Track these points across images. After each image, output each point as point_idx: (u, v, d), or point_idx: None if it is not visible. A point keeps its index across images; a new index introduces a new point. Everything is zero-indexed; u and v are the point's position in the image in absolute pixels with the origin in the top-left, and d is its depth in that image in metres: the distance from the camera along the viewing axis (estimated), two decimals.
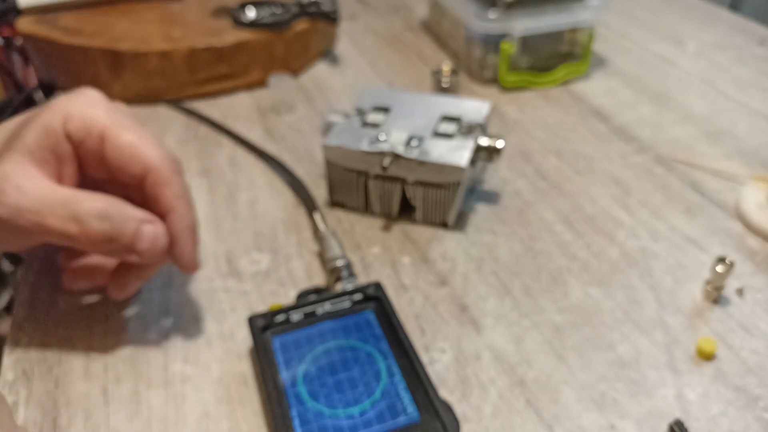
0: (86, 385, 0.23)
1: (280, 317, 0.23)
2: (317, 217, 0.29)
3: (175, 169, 0.23)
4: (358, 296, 0.24)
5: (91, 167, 0.23)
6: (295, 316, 0.23)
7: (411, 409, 0.20)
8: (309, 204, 0.31)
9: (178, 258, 0.23)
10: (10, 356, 0.24)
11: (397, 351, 0.22)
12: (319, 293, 0.25)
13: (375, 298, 0.24)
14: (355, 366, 0.22)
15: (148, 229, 0.22)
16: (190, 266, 0.24)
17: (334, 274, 0.26)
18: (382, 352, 0.22)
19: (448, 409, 0.20)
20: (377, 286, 0.24)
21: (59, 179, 0.22)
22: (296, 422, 0.20)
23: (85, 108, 0.22)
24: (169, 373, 0.24)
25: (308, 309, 0.24)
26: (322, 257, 0.28)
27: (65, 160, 0.22)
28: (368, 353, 0.22)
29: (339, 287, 0.26)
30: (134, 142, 0.22)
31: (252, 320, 0.23)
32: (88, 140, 0.22)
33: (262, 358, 0.22)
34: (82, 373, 0.24)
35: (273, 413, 0.20)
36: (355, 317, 0.23)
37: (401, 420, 0.20)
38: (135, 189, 0.23)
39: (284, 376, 0.21)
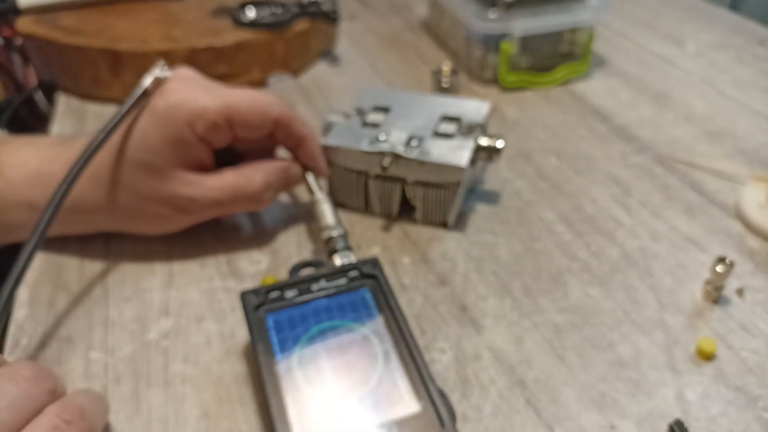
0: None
1: (274, 293, 0.23)
2: (311, 178, 0.28)
3: (286, 104, 0.27)
4: (354, 273, 0.23)
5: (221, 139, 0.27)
6: (290, 293, 0.23)
7: (407, 397, 0.20)
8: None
9: (316, 169, 0.29)
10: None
11: (393, 334, 0.21)
12: (313, 266, 0.25)
13: (372, 276, 0.23)
14: (352, 350, 0.21)
15: (294, 173, 0.29)
16: (324, 172, 0.30)
17: (329, 245, 0.25)
18: (379, 334, 0.21)
19: (444, 397, 0.20)
20: (374, 263, 0.24)
21: (204, 165, 0.27)
22: (291, 410, 0.19)
23: (198, 103, 0.25)
24: (169, 374, 0.24)
25: (303, 285, 0.23)
26: (317, 225, 0.27)
27: (203, 150, 0.26)
28: (365, 336, 0.21)
29: (336, 260, 0.25)
30: (254, 109, 0.26)
31: (245, 296, 0.22)
32: (217, 132, 0.26)
33: (256, 339, 0.21)
34: (82, 373, 0.24)
35: (268, 400, 0.19)
36: (351, 295, 0.23)
37: (397, 409, 0.19)
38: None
39: (279, 358, 0.21)
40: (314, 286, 0.23)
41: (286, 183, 0.29)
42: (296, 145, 0.28)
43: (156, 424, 0.22)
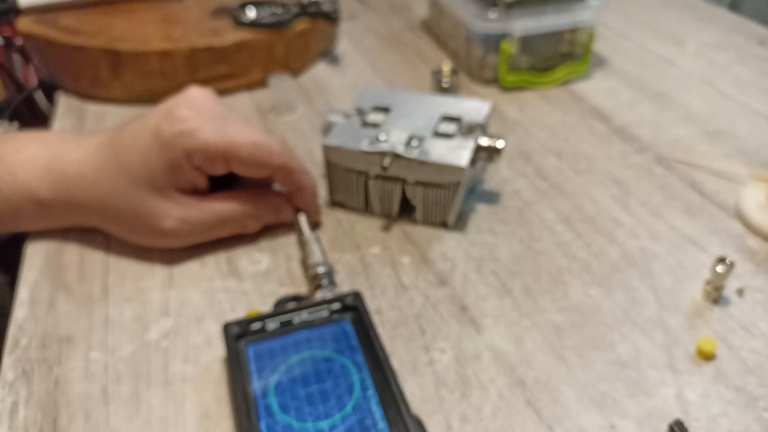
0: (86, 385, 0.23)
1: (256, 325, 0.23)
2: (302, 219, 0.29)
3: (289, 154, 0.28)
4: (336, 305, 0.24)
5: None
6: (271, 325, 0.23)
7: (382, 425, 0.20)
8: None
9: (310, 213, 0.30)
10: (10, 356, 0.24)
11: (372, 364, 0.22)
12: (297, 300, 0.25)
13: (353, 308, 0.24)
14: (329, 378, 0.21)
15: (285, 213, 0.30)
16: (317, 217, 0.30)
17: (315, 281, 0.26)
18: (357, 364, 0.22)
19: (420, 425, 0.20)
20: (356, 295, 0.24)
21: (197, 189, 0.27)
22: None
23: (201, 137, 0.25)
24: (169, 374, 0.24)
25: (285, 317, 0.23)
26: (304, 263, 0.28)
27: (198, 177, 0.27)
28: (343, 365, 0.22)
29: (319, 295, 0.25)
30: (254, 156, 0.27)
31: (227, 328, 0.23)
32: (213, 165, 0.27)
33: (234, 368, 0.21)
34: (82, 373, 0.24)
35: (240, 425, 0.20)
36: (332, 327, 0.23)
37: None
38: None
39: (256, 386, 0.21)
40: (296, 319, 0.23)
41: (276, 220, 0.30)
42: (294, 191, 0.29)
43: (156, 423, 0.22)
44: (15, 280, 0.28)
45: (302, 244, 0.28)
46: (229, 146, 0.26)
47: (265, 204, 0.29)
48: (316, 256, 0.27)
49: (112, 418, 0.22)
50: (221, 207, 0.28)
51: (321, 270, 0.26)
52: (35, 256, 0.29)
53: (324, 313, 0.23)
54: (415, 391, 0.23)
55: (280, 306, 0.25)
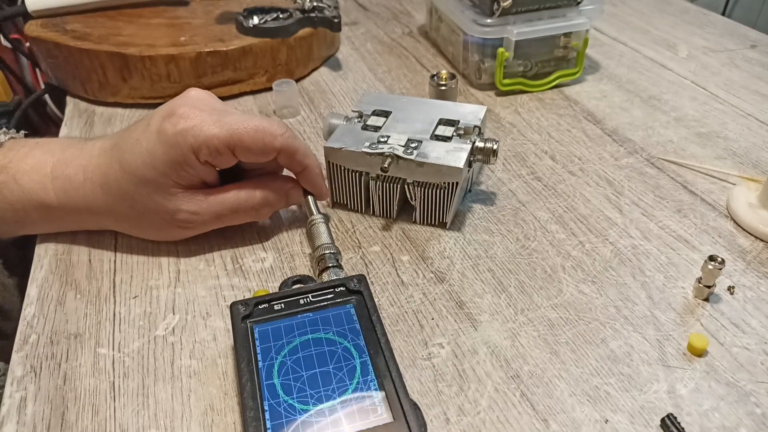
0: (94, 381, 0.24)
1: (263, 306, 0.23)
2: (310, 200, 0.29)
3: (290, 135, 0.28)
4: (341, 288, 0.24)
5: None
6: (277, 306, 0.23)
7: (381, 409, 0.20)
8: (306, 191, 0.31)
9: (317, 194, 0.30)
10: (18, 352, 0.25)
11: (373, 348, 0.22)
12: (303, 282, 0.25)
13: (357, 292, 0.24)
14: (331, 361, 0.22)
15: (294, 194, 0.30)
16: (325, 196, 0.31)
17: (322, 263, 0.26)
18: (359, 348, 0.22)
19: (417, 410, 0.20)
20: (360, 279, 0.24)
21: (208, 183, 0.28)
22: (267, 415, 0.20)
23: (204, 131, 0.26)
24: (176, 368, 0.24)
25: (291, 299, 0.24)
26: (311, 244, 0.28)
27: (207, 171, 0.27)
28: (345, 348, 0.22)
29: (325, 277, 0.26)
30: (258, 141, 0.27)
31: (234, 307, 0.23)
32: (220, 157, 0.27)
33: (240, 348, 0.22)
34: (90, 369, 0.24)
35: (245, 405, 0.20)
36: (336, 310, 0.23)
37: (369, 419, 0.20)
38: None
39: (260, 366, 0.21)
40: (301, 300, 0.24)
41: (286, 203, 0.30)
42: (298, 172, 0.30)
43: (162, 417, 0.22)
44: (23, 282, 0.29)
45: (310, 226, 0.29)
46: (233, 135, 0.26)
47: (273, 190, 0.29)
48: (323, 237, 0.27)
49: (119, 412, 0.23)
50: (231, 198, 0.28)
51: (327, 252, 0.26)
52: (44, 255, 0.30)
53: (328, 296, 0.24)
54: (414, 384, 0.23)
55: (285, 285, 0.25)
